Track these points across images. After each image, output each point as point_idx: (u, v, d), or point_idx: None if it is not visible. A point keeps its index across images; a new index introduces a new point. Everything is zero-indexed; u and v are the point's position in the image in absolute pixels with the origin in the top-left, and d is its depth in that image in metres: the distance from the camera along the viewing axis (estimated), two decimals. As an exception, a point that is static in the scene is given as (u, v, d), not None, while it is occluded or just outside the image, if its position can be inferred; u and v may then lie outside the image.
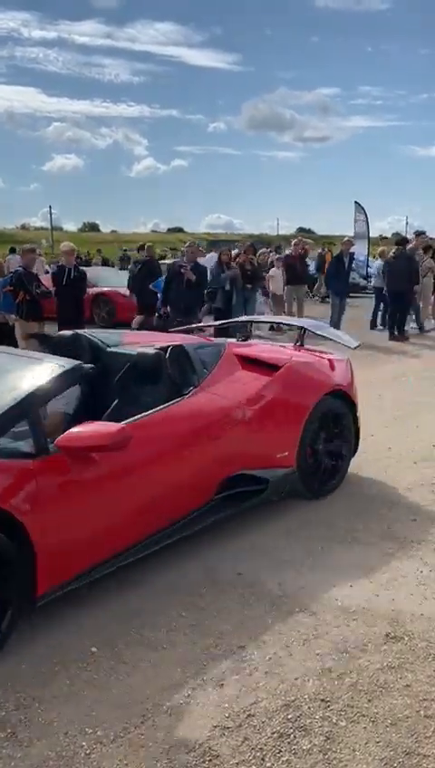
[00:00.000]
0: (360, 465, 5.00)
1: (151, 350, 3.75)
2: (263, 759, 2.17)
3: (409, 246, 12.35)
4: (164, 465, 3.37)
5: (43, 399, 3.12)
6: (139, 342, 4.12)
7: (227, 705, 2.43)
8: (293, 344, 4.98)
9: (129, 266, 12.30)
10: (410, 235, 18.09)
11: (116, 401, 3.58)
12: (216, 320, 10.54)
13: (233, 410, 3.78)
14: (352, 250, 12.39)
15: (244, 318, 6.42)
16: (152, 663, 2.69)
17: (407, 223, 78.52)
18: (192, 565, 3.46)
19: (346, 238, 12.53)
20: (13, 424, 2.92)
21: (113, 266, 26.42)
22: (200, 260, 10.76)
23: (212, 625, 2.94)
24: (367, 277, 21.05)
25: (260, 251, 12.74)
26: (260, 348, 4.66)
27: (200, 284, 9.46)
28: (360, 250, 19.47)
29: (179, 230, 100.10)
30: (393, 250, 12.10)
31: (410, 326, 12.30)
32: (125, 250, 35.95)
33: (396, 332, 11.46)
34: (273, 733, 2.29)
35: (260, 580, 3.31)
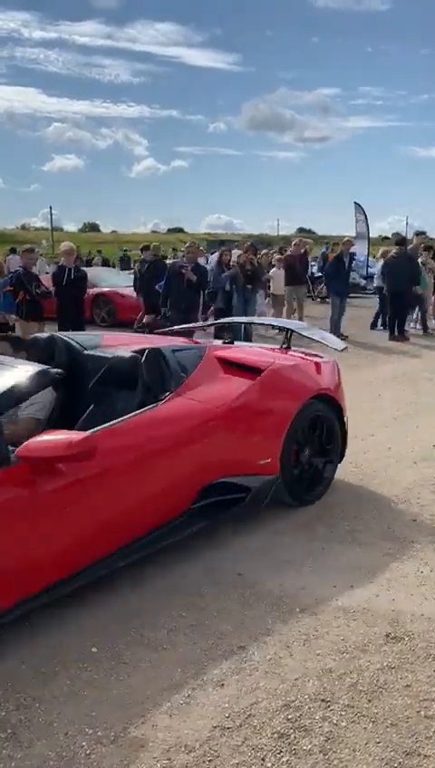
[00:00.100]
0: (360, 464, 5.01)
1: (127, 354, 3.63)
2: (263, 759, 2.17)
3: (409, 246, 12.37)
4: (136, 474, 3.20)
5: (4, 406, 3.01)
6: (117, 345, 4.00)
7: (227, 705, 2.43)
8: (279, 346, 4.84)
9: (134, 266, 12.26)
10: (410, 236, 18.13)
11: (91, 407, 3.50)
12: (216, 320, 10.56)
13: (212, 416, 3.62)
14: (352, 250, 12.39)
15: (226, 319, 6.31)
16: (152, 663, 2.68)
17: (407, 223, 78.66)
18: (192, 565, 3.46)
19: (346, 238, 12.52)
20: None
21: (114, 267, 26.44)
22: (201, 260, 10.79)
23: (212, 625, 2.94)
24: (367, 277, 21.08)
25: (263, 251, 12.75)
26: (243, 351, 4.47)
27: (201, 285, 9.47)
28: (360, 250, 19.51)
29: (179, 230, 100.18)
30: (394, 250, 12.10)
31: (411, 326, 12.32)
32: (125, 250, 35.95)
33: (396, 332, 11.46)
34: (273, 733, 2.28)
35: (260, 581, 3.31)
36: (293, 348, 4.80)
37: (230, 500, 3.70)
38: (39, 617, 2.94)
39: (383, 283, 11.99)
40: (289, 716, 2.36)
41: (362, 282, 20.72)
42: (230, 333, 5.22)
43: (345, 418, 4.52)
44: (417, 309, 12.37)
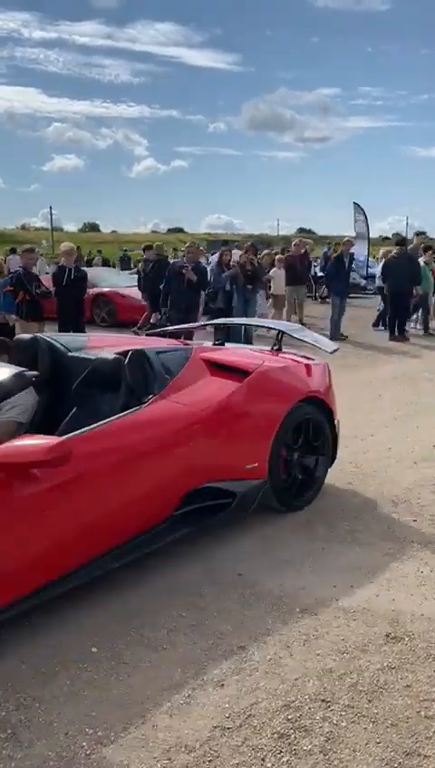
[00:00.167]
0: (360, 464, 5.01)
1: (110, 356, 3.56)
2: (263, 759, 2.17)
3: (410, 247, 12.37)
4: (116, 479, 3.10)
5: None
6: (103, 346, 3.92)
7: (227, 705, 2.43)
8: (271, 348, 4.73)
9: (138, 266, 12.24)
10: (410, 236, 18.13)
11: (74, 409, 3.46)
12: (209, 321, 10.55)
13: (196, 419, 3.52)
14: (352, 250, 12.40)
15: (216, 321, 6.20)
16: (152, 663, 2.68)
17: (407, 223, 78.65)
18: (192, 565, 3.46)
19: (346, 238, 12.53)
20: None
21: (114, 267, 26.46)
22: (201, 260, 10.79)
23: (212, 625, 2.94)
24: (367, 277, 21.10)
25: (265, 251, 12.75)
26: (231, 352, 4.39)
27: (201, 285, 9.48)
28: (360, 250, 19.51)
29: (180, 230, 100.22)
30: (394, 250, 12.11)
31: (412, 326, 12.32)
32: (125, 250, 35.96)
33: (396, 332, 11.47)
34: (273, 733, 2.28)
35: (260, 581, 3.31)
36: (285, 349, 4.72)
37: (215, 506, 3.61)
38: (39, 617, 2.94)
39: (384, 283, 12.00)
40: (289, 717, 2.36)
41: (363, 282, 20.74)
42: (223, 334, 5.06)
43: (336, 421, 4.44)
44: (420, 309, 12.38)
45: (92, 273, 12.82)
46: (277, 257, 12.73)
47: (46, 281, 8.84)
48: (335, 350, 4.90)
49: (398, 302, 11.54)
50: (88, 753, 2.21)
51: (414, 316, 12.63)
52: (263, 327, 5.48)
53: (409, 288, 11.41)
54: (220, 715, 2.37)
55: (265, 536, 3.80)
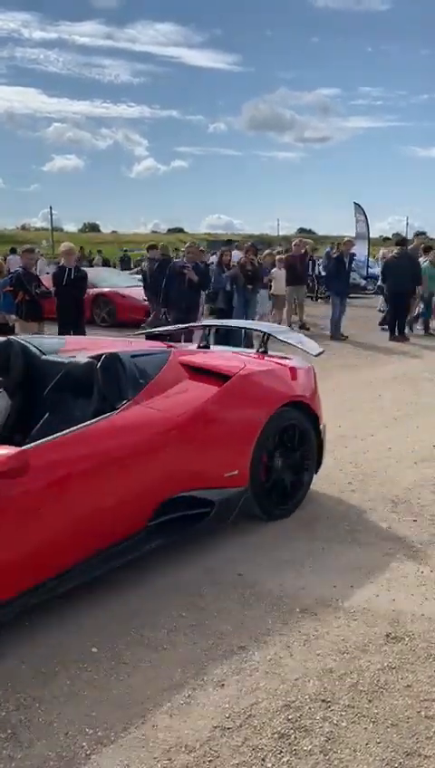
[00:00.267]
0: (360, 464, 5.01)
1: (83, 360, 3.46)
2: (263, 760, 2.17)
3: (410, 247, 12.38)
4: (83, 490, 2.96)
5: None
6: (80, 350, 3.80)
7: (227, 705, 2.43)
8: (256, 351, 4.61)
9: (142, 266, 12.21)
10: (410, 236, 18.17)
11: (47, 415, 3.38)
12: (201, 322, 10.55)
13: (172, 425, 3.38)
14: (352, 250, 12.41)
15: (203, 322, 6.05)
16: (152, 663, 2.68)
17: (407, 223, 78.76)
18: (192, 565, 3.46)
19: (346, 239, 12.53)
20: None
21: (115, 267, 26.48)
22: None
23: (212, 625, 2.94)
24: (367, 277, 21.11)
25: (266, 251, 12.75)
26: (212, 356, 4.24)
27: (202, 285, 9.48)
28: (360, 250, 19.52)
29: (180, 230, 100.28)
30: (395, 250, 12.11)
31: (415, 326, 12.32)
32: (125, 251, 36.00)
33: (397, 333, 11.47)
34: (273, 733, 2.28)
35: (260, 581, 3.31)
36: (271, 352, 4.60)
37: (193, 515, 3.48)
38: (39, 617, 2.94)
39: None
40: (289, 717, 2.36)
41: (363, 282, 20.75)
42: (207, 336, 4.87)
43: (322, 426, 4.32)
44: (422, 308, 12.38)
45: (93, 273, 12.82)
46: (278, 257, 12.71)
47: (47, 281, 8.84)
48: (320, 353, 4.77)
49: (398, 302, 11.54)
50: (88, 753, 2.21)
51: (416, 316, 12.62)
52: (248, 329, 5.25)
53: (409, 288, 11.41)
54: (220, 716, 2.37)
55: (265, 536, 3.80)
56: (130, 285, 14.59)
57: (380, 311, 14.23)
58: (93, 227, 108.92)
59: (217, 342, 6.69)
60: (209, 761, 2.17)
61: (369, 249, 22.47)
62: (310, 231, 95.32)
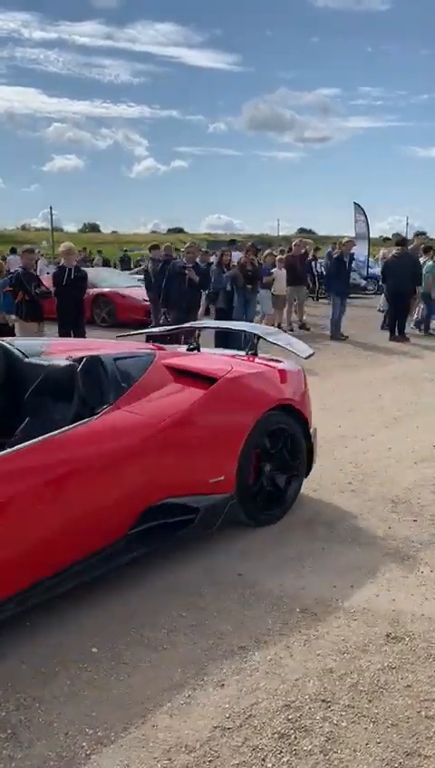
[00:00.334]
0: (360, 464, 5.01)
1: (63, 363, 3.38)
2: (263, 760, 2.17)
3: (410, 247, 12.38)
4: (59, 497, 2.86)
5: None
6: (64, 352, 3.70)
7: (227, 705, 2.43)
8: (245, 353, 4.49)
9: (147, 266, 12.18)
10: (410, 236, 18.18)
11: (27, 419, 3.30)
12: (217, 320, 10.56)
13: (154, 430, 3.28)
14: (352, 251, 12.40)
15: (189, 324, 5.90)
16: (152, 663, 2.68)
17: (407, 223, 78.78)
18: (192, 565, 3.46)
19: (346, 239, 12.53)
20: None
21: (115, 267, 26.50)
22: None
23: (212, 625, 2.94)
24: (367, 278, 21.12)
25: (267, 251, 12.75)
26: (199, 358, 4.14)
27: (202, 285, 9.49)
28: (360, 251, 19.53)
29: (180, 230, 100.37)
30: (395, 251, 12.11)
31: (412, 326, 12.31)
32: (125, 251, 36.04)
33: (397, 333, 11.47)
34: (273, 733, 2.28)
35: (260, 581, 3.31)
36: (262, 354, 4.52)
37: (177, 523, 3.39)
38: (39, 617, 2.94)
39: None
40: (290, 717, 2.36)
41: (363, 282, 20.76)
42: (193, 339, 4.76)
43: (312, 430, 4.23)
44: (423, 308, 12.38)
45: (93, 273, 12.83)
46: (278, 258, 12.72)
47: (47, 281, 8.84)
48: (310, 356, 4.67)
49: (398, 302, 11.54)
50: (88, 753, 2.21)
51: (416, 316, 12.62)
52: (236, 330, 5.10)
53: (409, 288, 11.41)
54: (220, 716, 2.37)
55: (264, 536, 3.80)
56: (130, 285, 14.59)
57: (380, 311, 14.24)
58: (93, 227, 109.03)
59: (218, 344, 6.65)
60: (209, 761, 2.17)
61: (369, 249, 22.47)
62: (310, 231, 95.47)
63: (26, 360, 3.67)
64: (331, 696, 2.46)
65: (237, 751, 2.21)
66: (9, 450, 2.79)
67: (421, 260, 12.11)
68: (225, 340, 8.10)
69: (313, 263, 17.90)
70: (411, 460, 5.14)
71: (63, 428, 3.00)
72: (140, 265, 24.34)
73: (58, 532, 2.87)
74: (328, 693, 2.48)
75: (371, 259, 22.30)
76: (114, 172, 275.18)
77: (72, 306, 8.59)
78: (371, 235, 22.84)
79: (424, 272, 11.74)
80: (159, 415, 3.37)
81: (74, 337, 8.49)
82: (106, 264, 27.30)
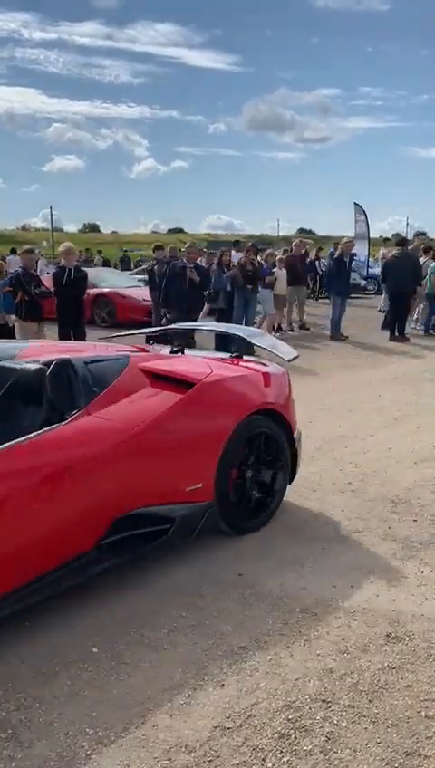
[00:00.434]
0: (360, 464, 5.01)
1: (33, 366, 3.26)
2: (264, 760, 2.17)
3: (410, 247, 12.38)
4: (23, 507, 2.75)
5: None
6: (40, 355, 3.57)
7: (227, 705, 2.43)
8: (230, 355, 4.39)
9: (153, 266, 12.17)
10: (410, 236, 18.19)
11: None
12: (217, 320, 10.56)
13: (126, 436, 3.16)
14: (353, 251, 12.40)
15: (175, 325, 5.79)
16: (153, 663, 2.68)
17: (407, 224, 78.77)
18: (192, 565, 3.46)
19: (345, 239, 12.54)
20: None
21: (116, 267, 26.50)
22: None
23: (213, 625, 2.94)
24: (367, 278, 21.12)
25: (268, 251, 12.76)
26: (179, 361, 4.01)
27: (203, 285, 9.50)
28: (360, 251, 19.52)
29: (180, 231, 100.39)
30: (395, 251, 12.11)
31: (412, 326, 12.32)
32: (125, 251, 36.02)
33: (397, 333, 11.47)
34: (274, 733, 2.28)
35: (260, 581, 3.31)
36: (247, 357, 4.40)
37: (151, 533, 3.28)
38: (39, 617, 2.94)
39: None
40: (290, 717, 2.36)
41: (363, 282, 20.76)
42: (182, 339, 4.62)
43: (296, 435, 4.13)
44: (422, 308, 12.38)
45: (93, 273, 12.82)
46: (278, 258, 12.72)
47: (47, 281, 8.84)
48: (294, 358, 4.54)
49: (398, 302, 11.54)
50: (88, 753, 2.21)
51: (415, 316, 12.63)
52: (220, 332, 4.99)
53: (409, 288, 11.42)
54: (221, 716, 2.37)
55: (265, 536, 3.80)
56: (130, 285, 14.60)
57: (380, 311, 14.24)
58: (93, 228, 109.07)
59: (218, 346, 6.59)
60: (210, 761, 2.17)
61: (369, 249, 22.46)
62: (310, 231, 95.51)
63: None
64: (331, 696, 2.46)
65: (238, 751, 2.21)
66: None
67: (422, 260, 12.11)
68: (224, 342, 8.11)
69: (316, 262, 17.93)
70: (411, 460, 5.14)
71: (31, 434, 2.90)
72: (141, 266, 24.38)
73: (23, 542, 2.76)
74: (328, 693, 2.48)
75: (371, 259, 22.30)
76: (114, 172, 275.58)
77: (72, 306, 8.59)
78: (371, 235, 22.82)
79: (429, 272, 11.75)
80: (132, 420, 3.26)
81: (74, 337, 8.51)
82: (106, 264, 27.30)
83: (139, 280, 16.12)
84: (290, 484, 4.14)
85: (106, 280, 14.57)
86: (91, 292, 12.21)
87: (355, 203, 22.68)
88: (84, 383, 3.27)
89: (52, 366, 3.21)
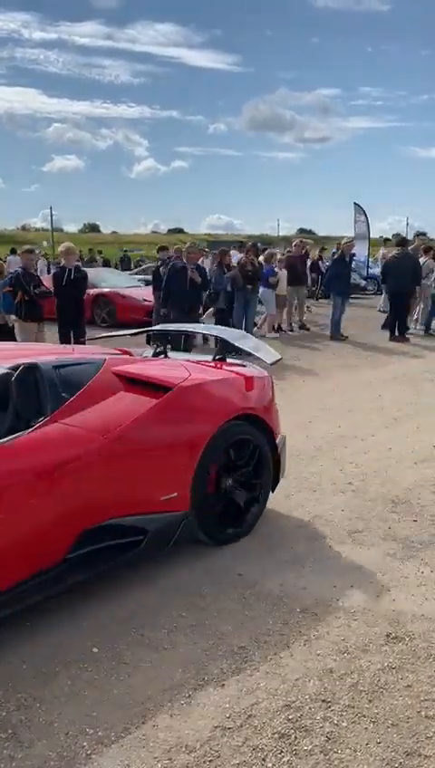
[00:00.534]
0: (360, 464, 5.01)
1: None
2: (264, 759, 2.17)
3: (410, 247, 12.38)
4: None
5: None
6: (9, 359, 3.38)
7: (227, 705, 2.43)
8: (212, 358, 4.30)
9: (159, 266, 12.17)
10: (410, 236, 18.19)
11: None
12: (217, 321, 10.57)
13: (96, 445, 3.02)
14: (353, 251, 12.40)
15: (158, 327, 5.68)
16: (153, 663, 2.68)
17: (407, 224, 78.81)
18: (192, 565, 3.46)
19: (345, 239, 12.54)
20: None
21: (116, 267, 26.52)
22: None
23: (213, 625, 2.94)
24: (367, 278, 21.12)
25: (268, 251, 12.76)
26: (156, 365, 3.88)
27: (203, 285, 9.50)
28: (360, 251, 19.52)
29: (180, 231, 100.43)
30: (395, 251, 12.11)
31: (413, 326, 12.32)
32: (125, 251, 36.05)
33: (397, 333, 11.47)
34: (274, 733, 2.28)
35: (260, 581, 3.31)
36: (230, 360, 4.31)
37: (124, 544, 3.15)
38: (39, 617, 2.94)
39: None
40: (290, 717, 2.36)
41: (363, 282, 20.76)
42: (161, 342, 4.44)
43: (278, 440, 4.01)
44: (422, 308, 12.38)
45: (93, 273, 12.82)
46: (278, 258, 12.72)
47: (47, 281, 8.84)
48: (277, 362, 4.41)
49: (398, 303, 11.54)
50: (88, 753, 2.21)
51: (415, 316, 12.62)
52: (203, 334, 4.84)
53: (409, 288, 11.42)
54: (221, 715, 2.37)
55: (265, 536, 3.80)
56: (130, 286, 14.60)
57: (380, 311, 14.24)
58: (93, 228, 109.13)
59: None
60: (210, 761, 2.17)
61: (369, 249, 22.45)
62: (310, 231, 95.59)
63: None
64: (331, 696, 2.47)
65: (238, 751, 2.21)
66: None
67: (422, 260, 12.11)
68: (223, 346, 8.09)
69: (319, 262, 17.94)
70: (411, 460, 5.14)
71: None
72: (141, 266, 24.38)
73: None
74: (328, 693, 2.49)
75: (371, 259, 22.29)
76: (114, 172, 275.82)
77: (73, 306, 8.59)
78: (371, 236, 22.81)
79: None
80: (102, 427, 3.11)
81: (74, 337, 8.51)
82: (106, 264, 27.31)
83: (139, 280, 16.13)
84: (273, 491, 4.03)
85: (106, 280, 14.58)
86: (92, 292, 12.21)
87: (355, 203, 22.68)
88: (52, 388, 3.11)
89: (18, 371, 3.08)
